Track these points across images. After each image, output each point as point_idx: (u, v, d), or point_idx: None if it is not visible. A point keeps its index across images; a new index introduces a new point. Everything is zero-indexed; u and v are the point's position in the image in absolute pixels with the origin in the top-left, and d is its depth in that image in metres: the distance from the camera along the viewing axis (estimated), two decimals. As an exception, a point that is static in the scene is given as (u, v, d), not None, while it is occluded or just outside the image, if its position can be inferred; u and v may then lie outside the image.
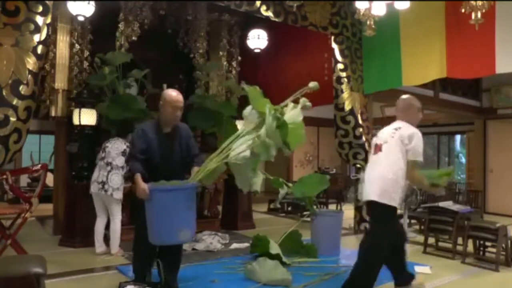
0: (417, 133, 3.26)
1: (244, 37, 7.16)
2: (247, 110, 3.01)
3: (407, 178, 3.19)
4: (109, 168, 4.67)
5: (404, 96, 3.51)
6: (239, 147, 2.82)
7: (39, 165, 4.91)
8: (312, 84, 3.10)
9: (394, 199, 3.11)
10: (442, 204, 5.39)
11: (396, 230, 3.38)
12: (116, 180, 4.64)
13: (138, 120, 5.50)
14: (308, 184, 5.01)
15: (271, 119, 2.70)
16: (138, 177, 2.93)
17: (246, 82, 7.15)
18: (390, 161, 3.17)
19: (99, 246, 4.79)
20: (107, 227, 4.85)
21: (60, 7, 5.50)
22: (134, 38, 5.98)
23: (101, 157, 4.78)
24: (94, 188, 4.70)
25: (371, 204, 3.21)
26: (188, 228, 2.90)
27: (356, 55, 6.70)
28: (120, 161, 4.69)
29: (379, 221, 3.22)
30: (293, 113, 2.88)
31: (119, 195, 4.67)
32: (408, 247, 5.52)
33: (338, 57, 6.55)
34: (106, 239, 4.87)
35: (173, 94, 3.11)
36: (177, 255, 3.37)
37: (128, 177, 4.48)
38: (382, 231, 3.17)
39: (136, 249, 3.34)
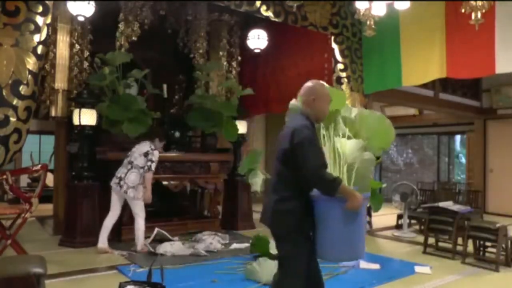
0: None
1: (244, 37, 7.16)
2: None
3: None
4: (129, 166, 4.86)
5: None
6: (359, 151, 2.51)
7: (39, 165, 4.91)
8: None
9: None
10: (442, 204, 5.39)
11: None
12: (133, 178, 4.80)
13: (139, 119, 5.51)
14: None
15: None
16: (346, 186, 2.28)
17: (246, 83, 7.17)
18: None
19: (101, 242, 4.84)
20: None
21: (60, 7, 5.50)
22: (134, 38, 5.97)
23: (127, 155, 4.99)
24: (112, 182, 4.88)
25: None
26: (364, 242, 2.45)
27: (356, 55, 6.70)
28: (141, 161, 4.86)
29: None
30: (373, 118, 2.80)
31: (133, 193, 4.78)
32: (408, 247, 5.54)
33: (338, 57, 6.55)
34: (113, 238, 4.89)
35: (325, 86, 2.54)
36: None
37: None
38: None
39: None
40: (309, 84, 2.50)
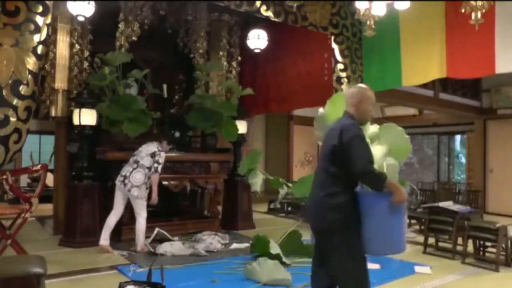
0: None
1: (244, 37, 7.15)
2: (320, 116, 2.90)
3: None
4: (135, 165, 4.88)
5: None
6: (384, 157, 2.73)
7: (39, 165, 4.91)
8: None
9: None
10: (442, 204, 5.39)
11: None
12: (138, 178, 4.82)
13: (139, 119, 5.51)
14: (308, 184, 4.97)
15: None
16: (392, 180, 2.37)
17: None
18: None
19: (103, 239, 4.86)
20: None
21: (60, 7, 5.50)
22: (134, 38, 5.97)
23: (133, 154, 5.01)
24: (117, 180, 4.89)
25: None
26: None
27: (356, 55, 6.70)
28: (147, 162, 4.88)
29: None
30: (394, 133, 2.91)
31: (137, 192, 4.79)
32: (408, 247, 5.54)
33: (338, 57, 6.54)
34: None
35: (369, 89, 2.65)
36: None
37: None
38: None
39: None
40: (355, 87, 2.64)
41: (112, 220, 4.91)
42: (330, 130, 2.56)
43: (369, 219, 2.37)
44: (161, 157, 4.95)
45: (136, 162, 4.91)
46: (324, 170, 2.49)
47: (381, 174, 2.34)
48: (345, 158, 2.36)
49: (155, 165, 4.88)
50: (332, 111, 3.00)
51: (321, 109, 2.94)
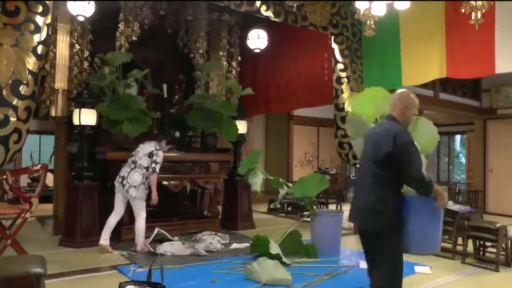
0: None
1: (244, 37, 7.15)
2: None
3: None
4: (133, 166, 4.89)
5: None
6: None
7: (39, 165, 4.91)
8: None
9: None
10: (442, 204, 5.37)
11: None
12: (135, 178, 4.82)
13: (139, 119, 5.51)
14: (308, 184, 5.01)
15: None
16: (437, 186, 2.53)
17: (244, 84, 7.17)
18: None
19: (103, 238, 4.87)
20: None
21: (60, 7, 5.51)
22: (134, 38, 5.97)
23: (131, 155, 5.02)
24: (116, 181, 4.90)
25: None
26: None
27: (356, 55, 6.70)
28: (145, 162, 4.88)
29: None
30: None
31: (134, 192, 4.79)
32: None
33: (338, 57, 6.54)
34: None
35: (414, 95, 2.77)
36: None
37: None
38: None
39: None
40: (403, 92, 2.73)
41: (112, 220, 4.93)
42: (377, 135, 2.64)
43: (415, 221, 2.53)
44: (159, 157, 4.93)
45: (134, 162, 4.91)
46: (373, 174, 2.57)
47: (430, 180, 2.49)
48: (397, 164, 2.47)
49: (153, 165, 4.88)
50: (359, 109, 3.04)
51: (349, 109, 3.00)
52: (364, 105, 3.12)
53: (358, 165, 2.85)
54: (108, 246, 4.86)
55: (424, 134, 3.00)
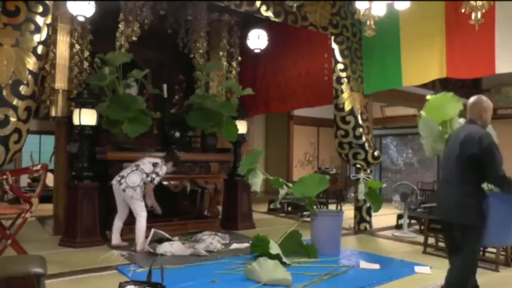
0: None
1: (244, 37, 7.16)
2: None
3: None
4: (134, 168, 4.96)
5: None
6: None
7: (39, 165, 4.91)
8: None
9: None
10: (442, 204, 5.38)
11: None
12: (134, 179, 4.87)
13: (139, 119, 5.51)
14: (308, 184, 5.01)
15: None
16: None
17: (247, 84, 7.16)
18: None
19: (114, 239, 5.10)
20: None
21: (60, 7, 5.51)
22: (134, 38, 5.97)
23: (136, 160, 5.14)
24: (114, 179, 4.95)
25: None
26: None
27: (356, 55, 6.70)
28: (147, 167, 4.96)
29: None
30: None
31: (131, 192, 4.83)
32: (408, 247, 5.54)
33: (338, 57, 6.54)
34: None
35: (487, 99, 3.07)
36: None
37: None
38: None
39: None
40: (479, 98, 3.01)
41: (118, 223, 5.13)
42: (462, 137, 2.86)
43: (496, 215, 2.77)
44: (162, 170, 5.02)
45: (137, 165, 4.99)
46: (458, 172, 2.86)
47: (510, 178, 2.75)
48: (481, 164, 2.75)
49: (153, 175, 4.95)
50: (434, 114, 3.45)
51: (422, 112, 3.52)
52: (434, 109, 3.48)
53: (441, 164, 3.18)
54: (121, 242, 5.09)
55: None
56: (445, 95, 3.51)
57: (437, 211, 3.13)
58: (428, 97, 3.58)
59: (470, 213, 2.78)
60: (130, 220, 5.16)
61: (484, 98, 3.00)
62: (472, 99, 3.03)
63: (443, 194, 3.03)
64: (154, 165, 5.00)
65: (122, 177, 4.90)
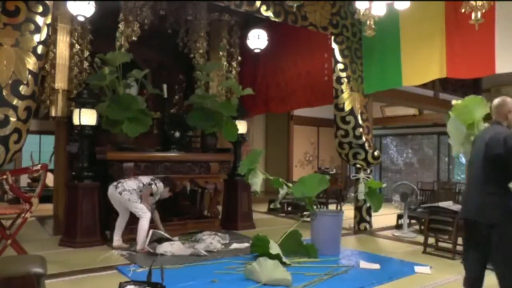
0: None
1: (244, 37, 7.15)
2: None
3: None
4: (133, 178, 5.09)
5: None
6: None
7: (39, 165, 4.91)
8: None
9: None
10: (442, 204, 5.39)
11: None
12: (130, 184, 4.96)
13: (139, 119, 5.51)
14: (308, 184, 5.01)
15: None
16: None
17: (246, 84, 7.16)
18: None
19: (116, 240, 5.10)
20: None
21: (60, 7, 5.50)
22: (134, 38, 5.96)
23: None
24: (111, 185, 5.01)
25: None
26: None
27: (356, 55, 6.70)
28: (146, 179, 5.08)
29: None
30: None
31: (128, 195, 4.88)
32: (408, 247, 5.54)
33: (338, 57, 6.54)
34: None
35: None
36: None
37: None
38: None
39: None
40: (502, 100, 3.05)
41: (120, 222, 5.14)
42: (488, 138, 2.91)
43: None
44: (158, 188, 5.11)
45: (136, 177, 5.10)
46: (486, 173, 2.91)
47: None
48: (508, 164, 2.80)
49: (149, 186, 5.04)
50: (462, 116, 3.51)
51: (450, 113, 3.58)
52: (462, 111, 3.55)
53: (468, 164, 3.23)
54: (122, 244, 5.07)
55: None
56: (474, 97, 3.56)
57: (462, 210, 3.17)
58: (453, 102, 3.67)
59: (496, 212, 2.82)
60: (130, 220, 5.16)
61: (508, 99, 3.02)
62: (496, 100, 3.07)
63: (469, 194, 3.07)
64: (153, 179, 5.13)
65: (119, 182, 4.97)
